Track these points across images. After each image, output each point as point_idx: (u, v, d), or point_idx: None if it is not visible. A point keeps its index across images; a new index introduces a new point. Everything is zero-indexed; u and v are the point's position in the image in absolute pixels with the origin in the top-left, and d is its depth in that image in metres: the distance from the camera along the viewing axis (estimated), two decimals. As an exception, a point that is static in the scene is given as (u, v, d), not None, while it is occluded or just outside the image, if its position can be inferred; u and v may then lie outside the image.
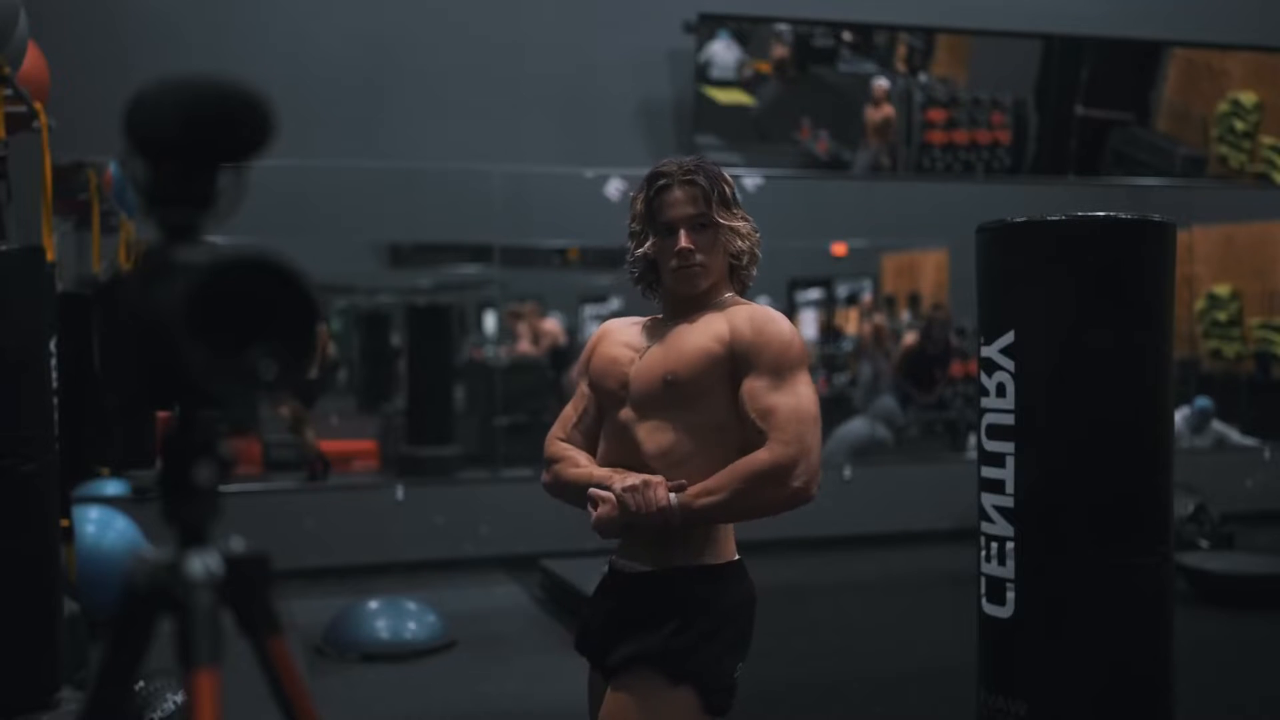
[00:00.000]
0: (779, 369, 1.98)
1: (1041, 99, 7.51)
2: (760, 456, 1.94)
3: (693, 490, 1.96)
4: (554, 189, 7.49)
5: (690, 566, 2.02)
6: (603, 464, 2.09)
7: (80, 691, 3.48)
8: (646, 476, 1.97)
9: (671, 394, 2.00)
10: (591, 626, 2.11)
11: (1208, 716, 3.96)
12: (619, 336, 2.16)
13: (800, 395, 1.97)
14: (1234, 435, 8.55)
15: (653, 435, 2.02)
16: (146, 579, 1.03)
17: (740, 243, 2.08)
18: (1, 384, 3.30)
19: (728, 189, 2.08)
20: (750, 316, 2.02)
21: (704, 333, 2.03)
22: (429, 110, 7.14)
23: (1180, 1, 8.08)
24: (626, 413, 2.06)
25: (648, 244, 2.08)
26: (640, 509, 1.94)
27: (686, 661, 1.96)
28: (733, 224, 2.07)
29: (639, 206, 2.10)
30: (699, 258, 2.03)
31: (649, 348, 2.09)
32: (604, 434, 2.12)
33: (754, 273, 2.13)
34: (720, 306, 2.08)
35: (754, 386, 1.97)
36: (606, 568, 2.15)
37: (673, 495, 1.96)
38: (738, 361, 1.99)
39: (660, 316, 2.16)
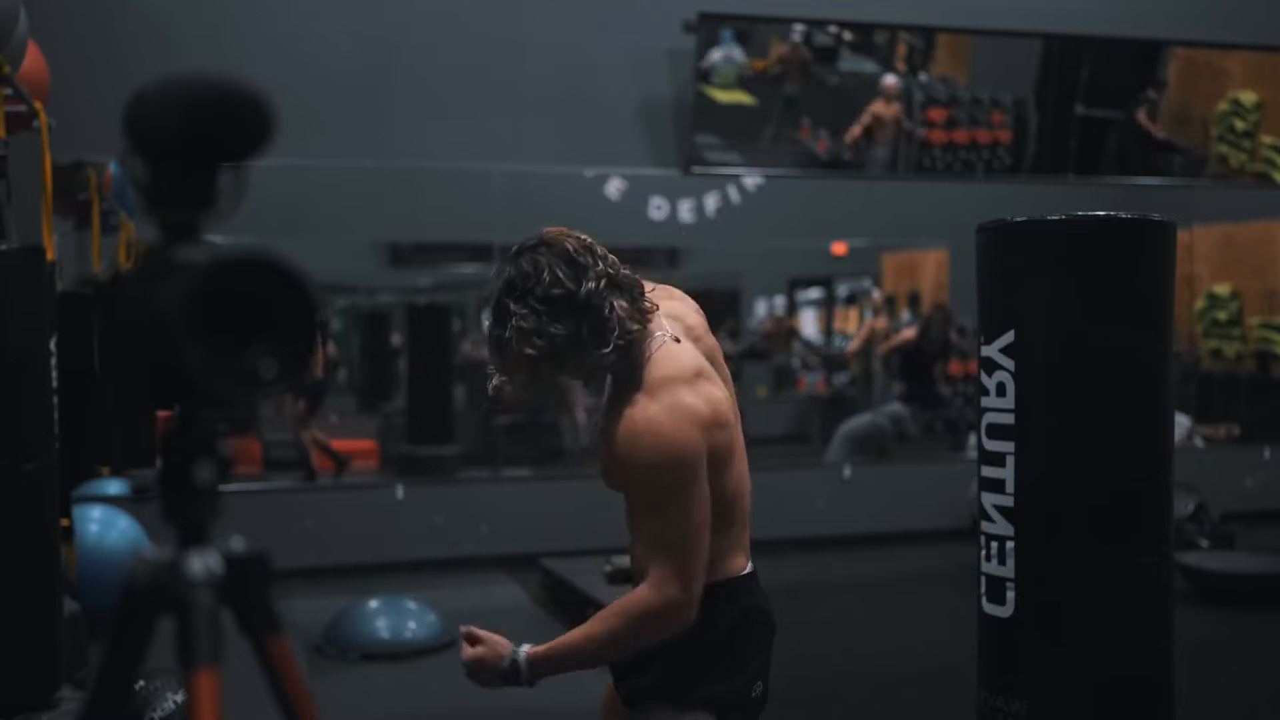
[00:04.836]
0: (628, 480, 1.93)
1: (1041, 99, 7.51)
2: (645, 599, 1.87)
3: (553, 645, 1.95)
4: (554, 189, 7.49)
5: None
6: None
7: (80, 691, 3.48)
8: (482, 651, 1.97)
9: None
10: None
11: (1208, 716, 3.96)
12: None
13: (659, 514, 1.89)
14: (1184, 420, 8.52)
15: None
16: (146, 578, 1.03)
17: (518, 347, 1.86)
18: (1, 384, 3.30)
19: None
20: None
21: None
22: (429, 110, 7.14)
23: (1180, 1, 8.08)
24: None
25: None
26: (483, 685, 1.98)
27: (688, 688, 1.95)
28: (508, 327, 1.86)
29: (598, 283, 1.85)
30: (496, 382, 1.95)
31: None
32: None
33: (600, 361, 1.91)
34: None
35: (634, 512, 1.96)
36: None
37: (523, 651, 1.95)
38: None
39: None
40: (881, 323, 10.28)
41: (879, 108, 7.25)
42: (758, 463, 2.17)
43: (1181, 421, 8.36)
